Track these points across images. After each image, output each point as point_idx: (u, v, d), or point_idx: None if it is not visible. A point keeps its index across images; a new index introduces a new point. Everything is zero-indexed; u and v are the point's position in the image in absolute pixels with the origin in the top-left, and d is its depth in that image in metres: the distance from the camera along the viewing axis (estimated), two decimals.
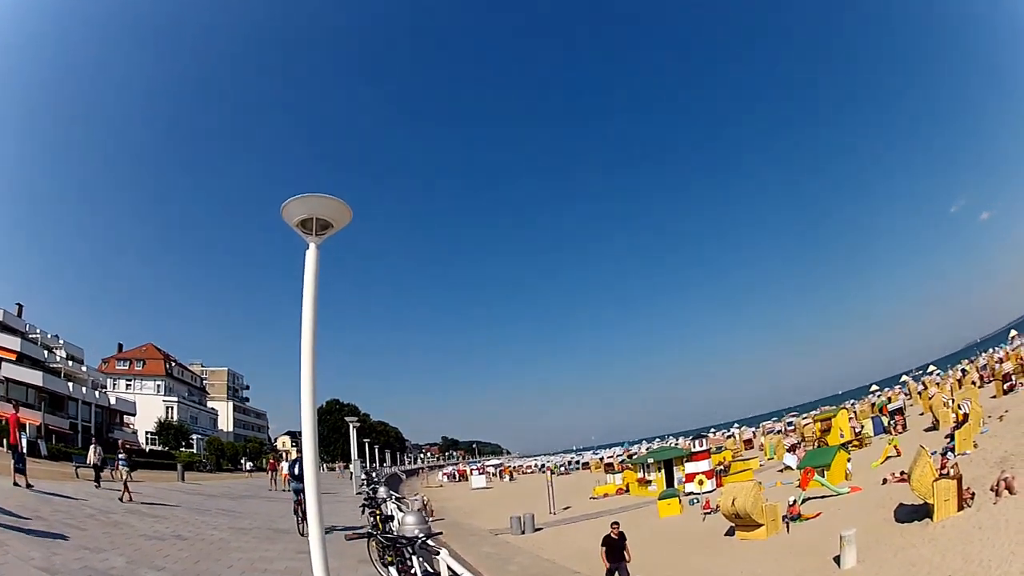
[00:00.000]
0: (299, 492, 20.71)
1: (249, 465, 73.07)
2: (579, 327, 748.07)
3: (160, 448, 78.42)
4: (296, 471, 21.91)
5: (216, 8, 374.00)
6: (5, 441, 32.76)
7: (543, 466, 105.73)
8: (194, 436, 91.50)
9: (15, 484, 22.04)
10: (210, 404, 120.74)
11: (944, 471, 19.95)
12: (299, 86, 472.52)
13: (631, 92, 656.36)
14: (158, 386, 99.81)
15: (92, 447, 28.96)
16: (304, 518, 22.76)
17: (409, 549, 8.67)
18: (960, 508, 18.64)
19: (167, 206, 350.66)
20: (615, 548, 18.39)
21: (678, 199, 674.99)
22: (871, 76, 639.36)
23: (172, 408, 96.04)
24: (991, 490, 18.94)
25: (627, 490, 53.65)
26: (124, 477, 24.35)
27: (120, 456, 25.80)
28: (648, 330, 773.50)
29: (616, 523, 18.74)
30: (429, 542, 8.75)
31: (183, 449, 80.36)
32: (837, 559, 18.08)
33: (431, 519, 25.59)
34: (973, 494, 19.18)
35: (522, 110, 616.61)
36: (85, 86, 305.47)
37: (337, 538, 16.37)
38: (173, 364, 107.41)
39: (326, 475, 69.21)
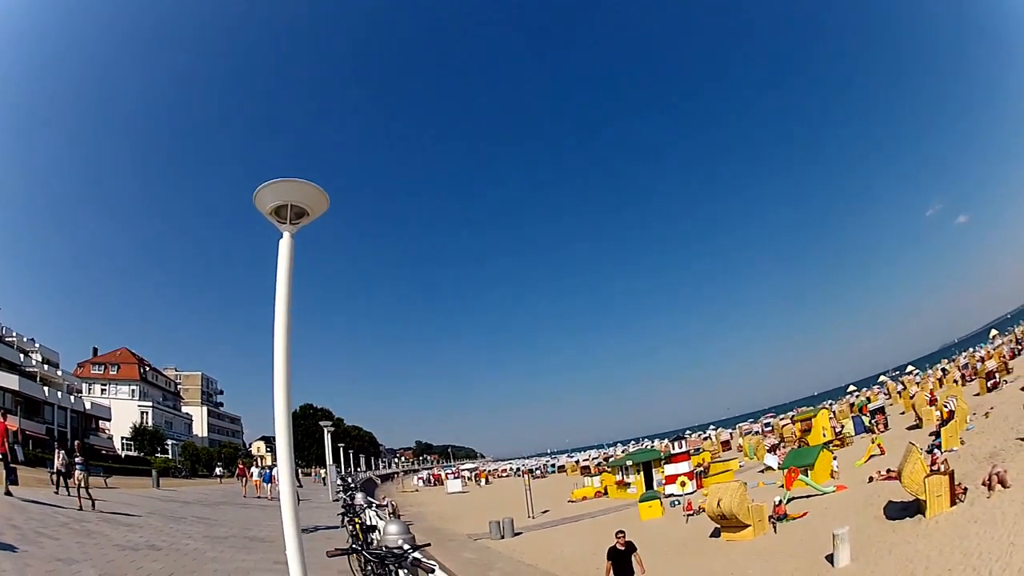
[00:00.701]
0: None
1: (220, 470, 71.58)
2: (550, 331, 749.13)
3: (136, 454, 76.97)
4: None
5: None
6: None
7: (519, 470, 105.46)
8: (169, 442, 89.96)
9: (7, 494, 21.66)
10: (184, 409, 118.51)
11: (935, 467, 19.85)
12: (270, 77, 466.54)
13: (621, 96, 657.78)
14: (133, 391, 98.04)
15: (57, 452, 27.07)
16: None
17: (395, 565, 7.74)
18: (953, 503, 18.49)
19: (140, 206, 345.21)
20: (623, 561, 16.55)
21: (657, 203, 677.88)
22: (844, 80, 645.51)
23: (147, 413, 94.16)
24: (983, 484, 18.85)
25: (605, 493, 53.30)
26: (81, 483, 22.54)
27: (77, 461, 23.73)
28: (621, 334, 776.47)
29: (622, 532, 16.97)
30: (418, 556, 7.98)
31: (159, 455, 78.94)
32: (830, 558, 17.70)
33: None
34: (965, 489, 19.06)
35: (508, 107, 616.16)
36: (56, 85, 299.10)
37: (318, 548, 15.75)
38: (147, 369, 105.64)
39: (302, 481, 68.13)
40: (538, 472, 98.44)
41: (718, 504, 25.09)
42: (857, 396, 74.54)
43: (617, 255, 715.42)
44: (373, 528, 14.06)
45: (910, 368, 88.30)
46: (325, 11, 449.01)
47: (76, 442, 27.95)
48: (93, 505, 21.65)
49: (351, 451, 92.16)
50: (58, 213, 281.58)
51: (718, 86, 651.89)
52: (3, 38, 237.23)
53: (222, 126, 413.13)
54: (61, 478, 25.53)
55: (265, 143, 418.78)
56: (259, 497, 36.96)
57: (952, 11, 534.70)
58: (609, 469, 58.15)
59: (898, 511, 20.44)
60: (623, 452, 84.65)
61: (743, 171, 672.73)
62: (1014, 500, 16.94)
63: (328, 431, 44.43)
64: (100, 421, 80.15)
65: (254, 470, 41.24)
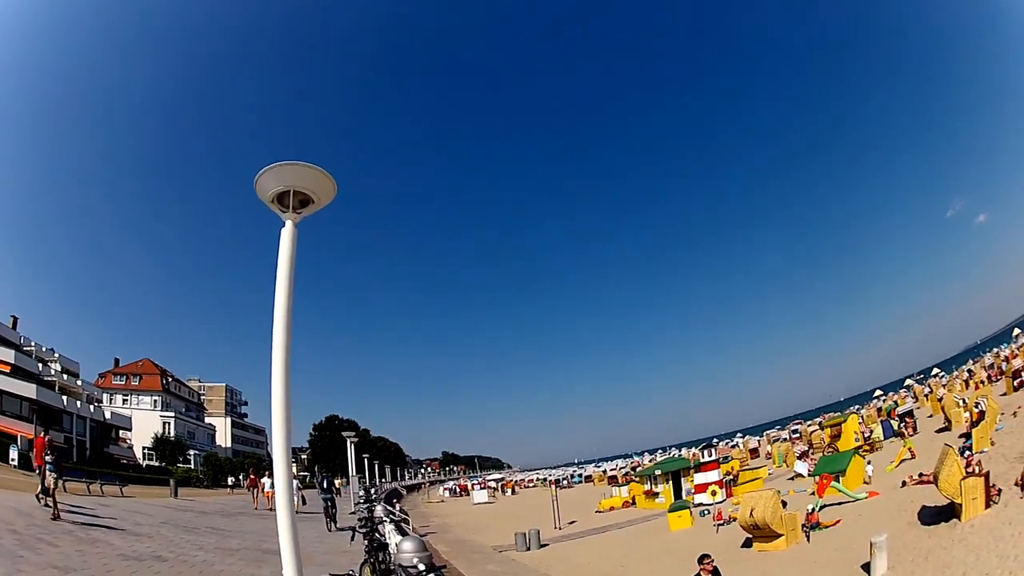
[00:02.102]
0: (326, 501, 29.22)
1: (232, 480, 70.72)
2: (576, 341, 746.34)
3: (157, 464, 78.38)
4: (325, 484, 31.42)
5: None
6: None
7: (545, 480, 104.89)
8: (191, 452, 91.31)
9: (40, 501, 21.14)
10: (208, 420, 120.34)
11: (970, 469, 19.62)
12: (290, 84, 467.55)
13: (627, 92, 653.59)
14: (155, 401, 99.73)
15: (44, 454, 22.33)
16: (332, 519, 27.80)
17: None
18: (987, 506, 18.18)
19: (164, 218, 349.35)
20: None
21: (675, 206, 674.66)
22: (862, 79, 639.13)
23: (169, 423, 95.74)
24: (1016, 484, 18.65)
25: (633, 503, 52.81)
26: (51, 486, 19.65)
27: (47, 459, 20.30)
28: (645, 344, 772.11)
29: (708, 557, 15.85)
30: None
31: (180, 465, 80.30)
32: (866, 566, 17.37)
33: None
34: (999, 491, 18.80)
35: (538, 105, 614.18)
36: (82, 93, 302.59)
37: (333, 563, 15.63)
38: (170, 379, 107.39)
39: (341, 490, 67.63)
40: (564, 482, 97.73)
41: (751, 513, 24.54)
42: (884, 400, 73.55)
43: (642, 263, 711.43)
44: (386, 546, 13.54)
45: (936, 370, 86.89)
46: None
47: (45, 436, 24.65)
48: (57, 513, 19.36)
49: (377, 462, 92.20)
50: (79, 224, 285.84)
51: (732, 86, 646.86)
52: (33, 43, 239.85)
53: (245, 128, 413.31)
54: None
55: (291, 146, 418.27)
56: (271, 509, 34.29)
57: (968, 8, 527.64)
58: (637, 479, 57.64)
59: (932, 516, 20.08)
60: (651, 461, 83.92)
61: (758, 174, 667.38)
62: None
63: (351, 442, 44.32)
64: (120, 431, 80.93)
65: (266, 480, 38.81)
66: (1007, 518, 16.79)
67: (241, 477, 71.87)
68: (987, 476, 18.73)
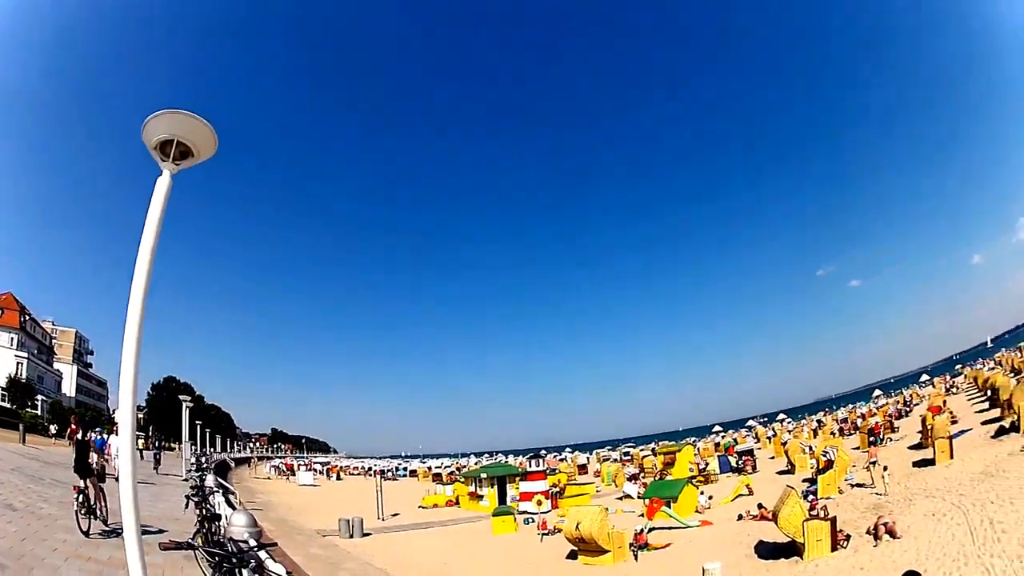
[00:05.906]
0: (155, 458, 36.77)
1: (55, 428, 64.95)
2: (413, 337, 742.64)
3: (7, 406, 71.38)
4: (158, 444, 32.41)
5: None
6: None
7: (370, 469, 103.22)
8: (39, 397, 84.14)
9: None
10: (56, 365, 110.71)
11: (814, 512, 19.90)
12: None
13: (609, 102, 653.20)
14: (11, 339, 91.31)
15: None
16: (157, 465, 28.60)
17: (237, 565, 6.57)
18: (834, 549, 18.41)
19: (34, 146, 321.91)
20: None
21: (563, 226, 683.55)
22: (752, 134, 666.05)
23: (23, 364, 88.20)
24: (868, 533, 18.93)
25: (457, 503, 51.91)
26: None
27: None
28: (482, 351, 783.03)
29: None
30: (264, 555, 7.05)
31: (28, 410, 73.44)
32: None
33: None
34: (848, 536, 19.04)
35: (487, 99, 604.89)
36: None
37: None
38: (27, 318, 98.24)
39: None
40: (389, 474, 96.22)
41: (577, 527, 24.20)
42: (723, 436, 76.52)
43: (497, 276, 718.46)
44: (218, 517, 13.32)
45: (781, 416, 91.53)
46: None
47: None
48: None
49: (209, 430, 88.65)
50: None
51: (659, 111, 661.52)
52: None
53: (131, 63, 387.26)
54: None
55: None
56: None
57: (836, 90, 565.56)
58: (462, 479, 57.13)
59: (771, 551, 20.15)
60: (476, 464, 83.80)
61: (649, 220, 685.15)
62: (906, 551, 16.85)
63: (187, 406, 42.98)
64: None
65: (92, 434, 35.73)
66: (857, 563, 16.92)
67: (54, 426, 65.51)
68: (834, 521, 19.04)
